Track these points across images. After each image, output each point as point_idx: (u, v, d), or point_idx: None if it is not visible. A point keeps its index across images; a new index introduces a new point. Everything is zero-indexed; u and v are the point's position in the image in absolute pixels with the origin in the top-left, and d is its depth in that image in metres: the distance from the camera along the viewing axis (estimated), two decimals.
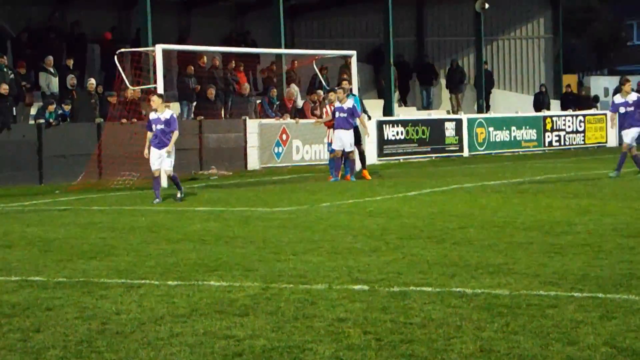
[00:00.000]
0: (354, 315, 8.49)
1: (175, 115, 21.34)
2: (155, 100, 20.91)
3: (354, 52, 30.45)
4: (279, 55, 34.24)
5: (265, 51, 33.94)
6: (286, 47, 35.50)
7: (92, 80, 28.34)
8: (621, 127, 24.65)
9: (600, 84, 52.16)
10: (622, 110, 24.48)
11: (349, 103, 25.22)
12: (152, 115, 20.94)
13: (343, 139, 25.12)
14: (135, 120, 27.19)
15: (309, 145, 31.57)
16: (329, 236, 13.91)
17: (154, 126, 20.79)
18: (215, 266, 11.39)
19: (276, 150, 30.69)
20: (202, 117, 29.69)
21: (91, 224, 16.35)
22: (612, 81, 51.65)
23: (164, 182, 22.05)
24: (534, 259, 11.31)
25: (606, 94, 49.47)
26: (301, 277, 10.47)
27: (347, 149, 25.21)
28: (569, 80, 49.11)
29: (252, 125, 30.29)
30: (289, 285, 9.99)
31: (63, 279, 10.76)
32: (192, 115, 31.00)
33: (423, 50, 46.31)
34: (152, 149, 20.95)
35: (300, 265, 11.28)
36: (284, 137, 30.93)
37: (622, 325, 7.85)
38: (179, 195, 20.81)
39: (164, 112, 20.85)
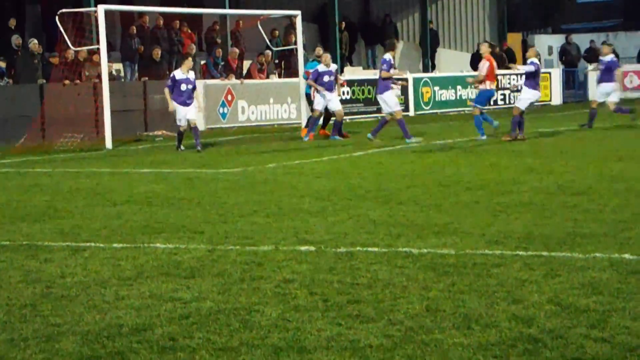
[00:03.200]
0: (300, 276, 8.50)
1: None
2: (188, 63, 23.68)
3: (298, 12, 30.29)
4: (223, 15, 34.00)
5: (209, 11, 33.64)
6: (230, 7, 35.22)
7: (35, 41, 27.93)
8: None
9: (544, 42, 52.43)
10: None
11: (333, 67, 26.26)
12: (180, 75, 23.26)
13: (334, 101, 25.91)
14: (78, 81, 26.88)
15: (254, 106, 31.43)
16: (275, 197, 13.88)
17: (184, 85, 23.15)
18: (161, 228, 11.33)
19: (221, 111, 30.53)
20: (147, 78, 29.41)
21: (34, 187, 16.18)
22: (556, 39, 51.97)
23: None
24: (479, 218, 11.38)
25: (550, 52, 49.76)
26: (247, 239, 10.44)
27: (337, 108, 26.01)
28: (513, 39, 49.31)
29: (198, 86, 30.05)
30: (235, 247, 9.97)
31: (6, 242, 10.64)
32: (136, 76, 30.71)
33: (368, 9, 46.20)
34: (179, 105, 23.17)
35: (246, 227, 11.25)
36: (229, 97, 30.75)
37: (566, 282, 7.93)
38: (199, 147, 22.82)
39: (189, 73, 23.45)
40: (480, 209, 12.10)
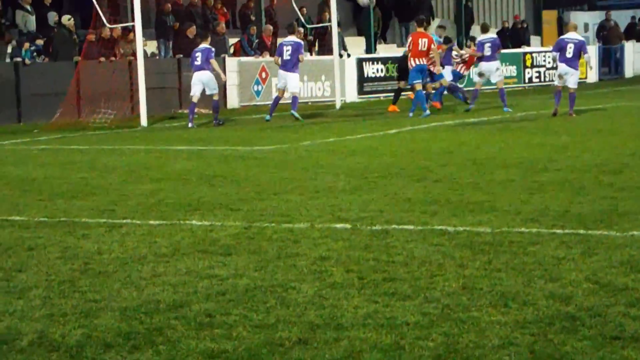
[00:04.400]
0: (336, 253, 8.51)
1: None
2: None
3: None
4: None
5: None
6: None
7: (70, 18, 27.99)
8: None
9: (580, 19, 52.01)
10: None
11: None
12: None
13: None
14: (113, 59, 26.97)
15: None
16: (311, 175, 13.89)
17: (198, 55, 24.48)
18: (197, 205, 11.37)
19: (256, 89, 30.53)
20: (181, 55, 29.44)
21: (71, 164, 16.28)
22: (593, 16, 51.52)
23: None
24: (515, 196, 11.34)
25: (586, 29, 49.35)
26: (283, 216, 10.46)
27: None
28: (549, 16, 48.93)
29: (232, 64, 30.08)
30: (271, 224, 9.99)
31: (44, 219, 10.72)
32: (171, 53, 30.74)
33: None
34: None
35: (282, 204, 11.27)
36: (264, 75, 30.74)
37: (604, 261, 7.89)
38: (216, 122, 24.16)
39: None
40: (515, 187, 12.05)
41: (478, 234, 9.14)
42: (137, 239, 9.43)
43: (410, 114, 24.40)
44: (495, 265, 7.87)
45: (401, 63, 27.10)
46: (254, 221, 10.21)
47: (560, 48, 22.81)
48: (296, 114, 24.75)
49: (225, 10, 33.99)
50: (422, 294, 7.05)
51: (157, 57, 30.20)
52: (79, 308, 6.94)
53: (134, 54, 25.66)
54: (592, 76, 41.47)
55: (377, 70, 34.61)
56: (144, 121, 24.48)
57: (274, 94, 30.72)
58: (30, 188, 13.35)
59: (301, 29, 31.92)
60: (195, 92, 24.65)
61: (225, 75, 26.13)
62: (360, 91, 33.68)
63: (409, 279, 7.52)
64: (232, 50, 32.00)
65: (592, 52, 41.98)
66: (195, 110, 24.96)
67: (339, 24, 31.82)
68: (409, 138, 19.28)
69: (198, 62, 24.41)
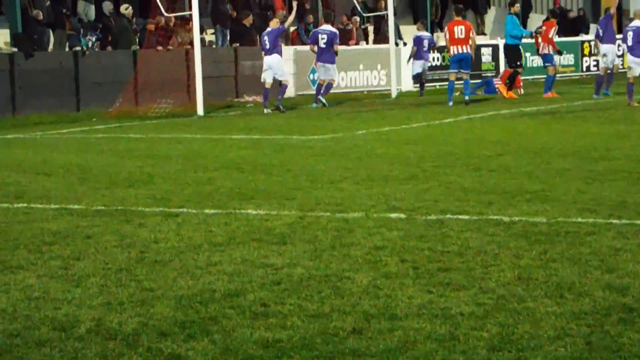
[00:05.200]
0: (391, 243, 8.50)
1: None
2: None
3: None
4: None
5: None
6: None
7: (128, 7, 28.22)
8: None
9: None
10: None
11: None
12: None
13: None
14: (170, 47, 27.14)
15: (344, 72, 31.37)
16: (365, 164, 13.89)
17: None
18: (252, 194, 11.42)
19: (312, 78, 30.56)
20: (238, 44, 29.56)
21: (128, 152, 16.43)
22: None
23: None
24: (571, 185, 11.26)
25: None
26: (338, 205, 10.47)
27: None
28: (609, 2, 48.36)
29: (287, 52, 30.12)
30: (326, 214, 10.01)
31: (101, 207, 10.83)
32: (228, 42, 30.86)
33: None
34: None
35: (336, 194, 11.28)
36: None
37: None
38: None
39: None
40: (572, 177, 11.96)
41: (534, 224, 9.09)
42: (192, 228, 9.50)
43: (450, 103, 24.49)
44: (550, 256, 7.83)
45: (509, 51, 27.31)
46: (308, 210, 10.24)
47: (625, 37, 22.57)
48: (323, 100, 25.19)
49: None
50: (476, 285, 7.04)
51: (214, 46, 30.33)
52: (135, 296, 7.01)
53: (192, 43, 25.80)
54: None
55: (434, 59, 34.43)
56: (200, 110, 24.61)
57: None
58: (88, 176, 13.48)
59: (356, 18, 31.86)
60: (266, 78, 24.89)
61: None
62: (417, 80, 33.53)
63: (463, 269, 7.50)
64: (289, 39, 32.04)
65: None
66: (252, 98, 25.05)
67: (395, 12, 31.73)
68: (465, 127, 19.20)
69: (267, 45, 24.63)
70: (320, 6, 34.17)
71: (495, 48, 36.46)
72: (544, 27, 28.49)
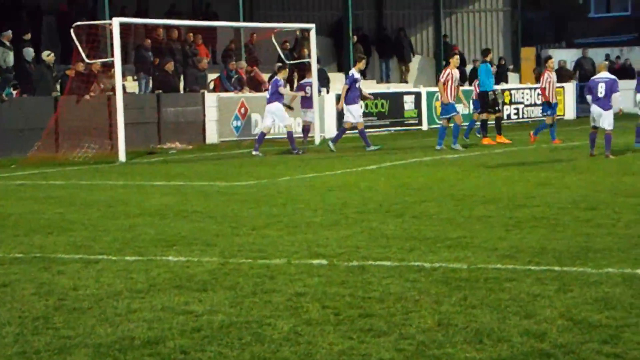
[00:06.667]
0: (312, 289, 8.50)
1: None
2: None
3: (312, 25, 30.37)
4: (238, 29, 34.08)
5: (223, 24, 33.70)
6: (245, 20, 35.31)
7: (49, 53, 27.98)
8: None
9: (557, 56, 52.36)
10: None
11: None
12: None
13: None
14: (92, 94, 26.96)
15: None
16: (289, 210, 13.89)
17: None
18: (174, 241, 11.34)
19: (235, 124, 30.57)
20: (160, 91, 29.48)
21: (48, 199, 16.23)
22: (570, 54, 51.86)
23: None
24: (492, 232, 11.36)
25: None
26: (260, 252, 10.45)
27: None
28: (527, 53, 49.26)
29: (211, 99, 30.13)
30: (248, 260, 9.98)
31: (20, 255, 10.67)
32: (150, 89, 30.77)
33: (382, 22, 46.27)
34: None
35: (259, 240, 11.26)
36: (243, 110, 30.79)
37: (578, 297, 7.91)
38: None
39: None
40: (493, 223, 12.08)
41: (454, 270, 9.15)
42: (113, 275, 9.39)
43: (443, 145, 24.86)
44: (470, 302, 7.88)
45: (485, 97, 27.75)
46: (230, 257, 10.20)
47: (591, 89, 21.57)
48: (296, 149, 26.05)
49: (205, 45, 34.06)
50: (397, 331, 7.05)
51: (137, 92, 30.22)
52: (53, 345, 6.89)
53: (114, 89, 25.66)
54: (570, 113, 41.70)
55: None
56: (122, 156, 24.46)
57: (255, 129, 30.87)
58: (6, 223, 13.29)
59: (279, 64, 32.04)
60: (266, 123, 26.18)
61: (292, 102, 27.26)
62: (340, 127, 33.70)
63: (384, 315, 7.51)
64: (212, 86, 32.07)
65: (570, 89, 42.31)
66: (175, 145, 24.97)
67: (318, 60, 31.93)
68: (388, 174, 19.31)
69: (268, 94, 25.91)
70: (243, 53, 34.26)
71: (417, 96, 36.83)
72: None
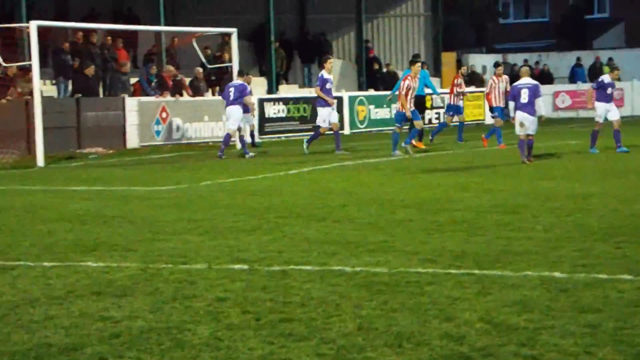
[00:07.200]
0: (233, 294, 8.45)
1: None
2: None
3: (234, 30, 30.31)
4: (159, 33, 33.87)
5: (143, 28, 33.48)
6: (167, 24, 35.09)
7: None
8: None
9: (478, 61, 52.94)
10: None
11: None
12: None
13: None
14: (9, 97, 26.57)
15: (189, 124, 31.30)
16: (210, 215, 13.82)
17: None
18: (93, 246, 11.21)
19: (156, 129, 30.37)
20: (80, 95, 29.16)
21: None
22: (490, 59, 52.43)
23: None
24: (413, 236, 11.42)
25: (484, 71, 50.18)
26: (181, 257, 10.37)
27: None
28: (448, 58, 49.68)
29: (131, 103, 29.89)
30: (168, 266, 9.90)
31: None
32: (70, 93, 30.42)
33: (304, 27, 46.34)
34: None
35: (180, 245, 11.18)
36: (164, 115, 30.61)
37: (498, 300, 7.98)
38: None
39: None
40: (414, 227, 12.13)
41: (375, 274, 9.17)
42: (30, 281, 9.25)
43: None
44: (391, 306, 7.90)
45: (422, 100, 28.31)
46: (150, 262, 10.10)
47: (515, 95, 21.59)
48: (249, 153, 26.00)
49: (127, 50, 33.76)
50: (318, 335, 7.04)
51: (56, 97, 29.86)
52: None
53: (32, 93, 25.32)
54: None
55: (279, 111, 34.74)
56: (40, 161, 24.15)
57: (175, 134, 30.72)
58: None
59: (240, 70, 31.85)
60: (230, 126, 26.20)
61: (255, 112, 28.20)
62: (262, 131, 33.73)
63: (305, 320, 7.50)
64: (132, 90, 31.82)
65: None
66: (95, 149, 24.70)
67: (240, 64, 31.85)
68: (310, 178, 19.32)
69: (232, 97, 25.97)
70: (164, 57, 34.06)
71: (339, 100, 36.93)
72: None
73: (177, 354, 6.63)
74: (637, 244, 10.48)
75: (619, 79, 23.96)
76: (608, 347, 6.56)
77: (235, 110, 26.03)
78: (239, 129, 26.58)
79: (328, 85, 25.83)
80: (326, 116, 25.89)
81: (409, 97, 24.73)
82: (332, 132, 26.12)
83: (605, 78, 24.30)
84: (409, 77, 24.90)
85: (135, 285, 8.95)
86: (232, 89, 26.18)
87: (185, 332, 7.23)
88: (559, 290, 8.28)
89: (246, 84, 26.77)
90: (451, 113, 29.90)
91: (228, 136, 26.43)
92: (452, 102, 29.96)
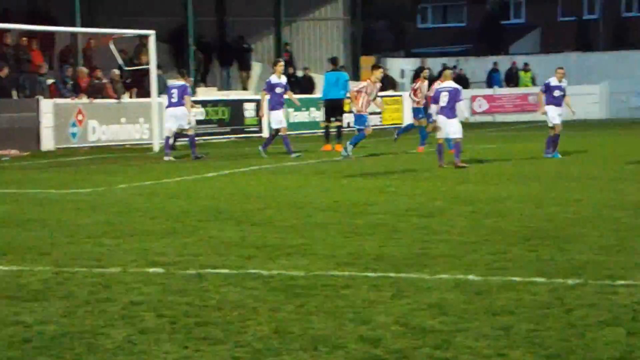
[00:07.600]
0: (149, 298, 8.37)
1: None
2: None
3: (152, 32, 30.09)
4: (75, 34, 33.49)
5: (58, 29, 33.05)
6: (83, 25, 34.69)
7: None
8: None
9: (397, 65, 53.33)
10: None
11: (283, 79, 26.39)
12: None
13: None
14: None
15: (105, 126, 31.01)
16: (126, 218, 13.68)
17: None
18: (5, 250, 11.02)
19: (72, 131, 30.02)
20: None
21: None
22: (409, 63, 52.87)
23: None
24: (331, 239, 11.43)
25: (402, 75, 50.59)
26: (96, 261, 10.25)
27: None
28: (367, 62, 49.90)
29: (47, 105, 29.51)
30: (83, 269, 9.77)
31: None
32: None
33: (224, 29, 46.18)
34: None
35: (95, 249, 11.05)
36: (80, 117, 30.27)
37: (413, 303, 8.01)
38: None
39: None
40: (332, 230, 12.14)
41: (292, 278, 9.16)
42: None
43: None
44: (308, 309, 7.89)
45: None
46: (64, 266, 9.96)
47: (436, 98, 21.48)
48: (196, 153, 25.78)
49: (42, 51, 33.31)
50: (233, 339, 7.00)
51: None
52: None
53: None
54: (408, 121, 42.41)
55: (197, 114, 34.51)
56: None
57: (90, 137, 30.42)
58: None
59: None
60: (170, 127, 25.79)
61: (193, 114, 27.78)
62: (179, 134, 33.46)
63: (221, 323, 7.45)
64: (48, 92, 31.41)
65: (407, 97, 43.03)
66: (8, 152, 24.31)
67: (159, 67, 31.65)
68: (228, 181, 19.25)
69: (174, 98, 25.60)
70: (80, 59, 33.67)
71: (258, 103, 36.83)
72: None
73: (91, 359, 6.54)
74: (551, 247, 10.62)
75: (562, 79, 23.52)
76: (521, 349, 6.62)
77: (179, 111, 25.72)
78: (181, 130, 26.28)
79: (278, 90, 25.85)
80: (281, 117, 26.10)
81: (360, 98, 25.00)
82: (279, 135, 26.00)
83: (552, 80, 24.13)
84: (369, 81, 25.26)
85: (48, 289, 8.82)
86: (174, 90, 25.84)
87: (99, 336, 7.14)
88: (474, 293, 8.34)
89: (187, 84, 26.46)
90: (420, 116, 28.74)
91: (193, 137, 26.28)
92: (415, 106, 29.13)
